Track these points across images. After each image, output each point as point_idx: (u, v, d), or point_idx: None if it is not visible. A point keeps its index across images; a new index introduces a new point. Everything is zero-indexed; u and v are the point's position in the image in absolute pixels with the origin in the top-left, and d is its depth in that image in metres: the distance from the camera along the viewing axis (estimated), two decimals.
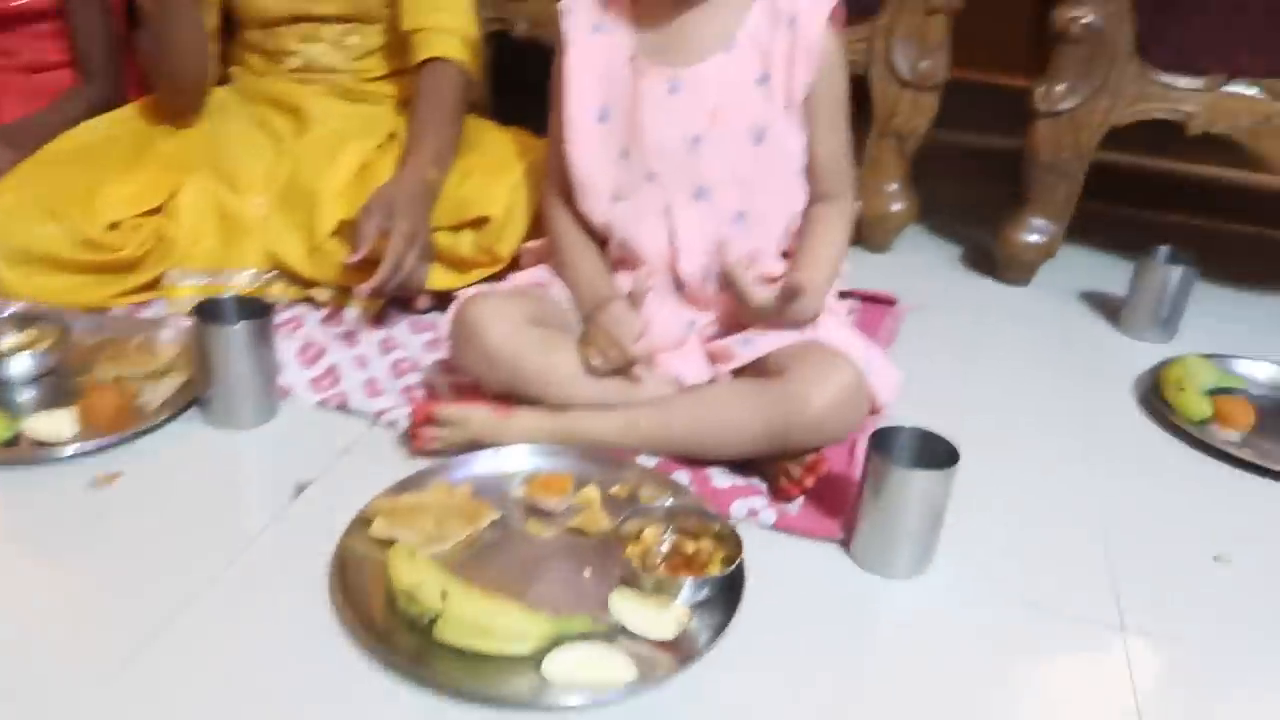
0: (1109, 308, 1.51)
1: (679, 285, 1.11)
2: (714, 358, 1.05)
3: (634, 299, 1.04)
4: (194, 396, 1.07)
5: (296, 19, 1.37)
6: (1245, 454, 1.12)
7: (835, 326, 1.08)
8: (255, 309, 1.06)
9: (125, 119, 1.42)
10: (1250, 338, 1.47)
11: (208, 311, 1.05)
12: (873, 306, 1.44)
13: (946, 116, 1.56)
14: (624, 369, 1.02)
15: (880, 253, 1.67)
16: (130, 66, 1.60)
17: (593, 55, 1.09)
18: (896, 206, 1.61)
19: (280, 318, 1.26)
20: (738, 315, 1.07)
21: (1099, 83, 1.40)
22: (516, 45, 1.65)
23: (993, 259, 1.60)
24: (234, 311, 1.06)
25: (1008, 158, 1.54)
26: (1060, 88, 1.41)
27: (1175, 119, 1.41)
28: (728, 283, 1.04)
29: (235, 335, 1.02)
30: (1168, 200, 2.11)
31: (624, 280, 1.10)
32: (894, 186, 1.60)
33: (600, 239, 1.15)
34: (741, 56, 1.05)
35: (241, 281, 1.29)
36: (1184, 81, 1.39)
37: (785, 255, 1.14)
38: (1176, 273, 1.39)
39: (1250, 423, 1.17)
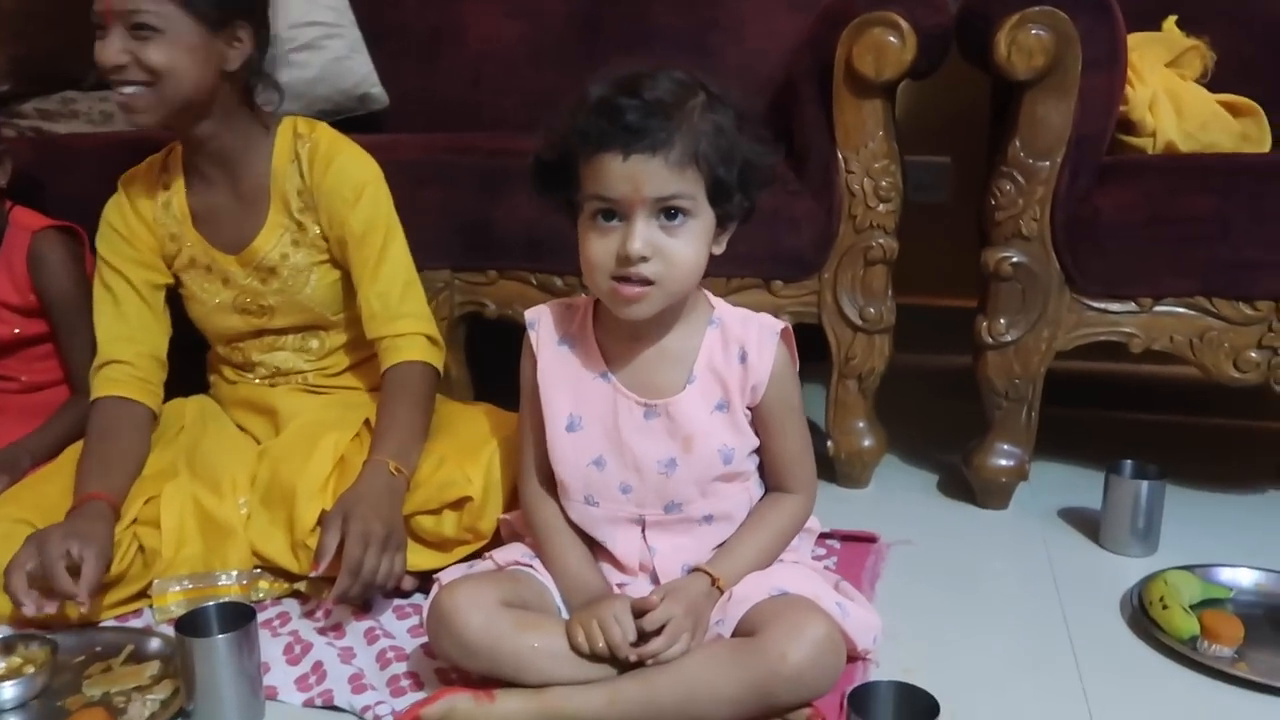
0: (1089, 523, 1.52)
1: (654, 581, 1.15)
2: None
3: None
4: (180, 708, 1.07)
5: (257, 333, 1.48)
6: (1240, 670, 1.11)
7: (804, 577, 1.11)
8: (237, 616, 1.08)
9: None
10: (1235, 537, 1.48)
11: (189, 624, 1.06)
12: (855, 546, 1.46)
13: (902, 341, 1.64)
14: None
15: (860, 488, 1.70)
16: None
17: (560, 366, 1.16)
18: (867, 442, 1.65)
19: (267, 614, 1.27)
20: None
21: (1037, 315, 1.48)
22: (488, 322, 1.74)
23: (969, 485, 1.63)
24: (216, 622, 1.08)
25: (966, 374, 1.61)
26: (1002, 321, 1.49)
27: (1119, 339, 1.48)
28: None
29: (218, 647, 1.03)
30: (1133, 401, 2.17)
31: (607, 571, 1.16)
32: (861, 424, 1.65)
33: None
34: (703, 387, 1.12)
35: (228, 581, 1.31)
36: (1117, 306, 1.47)
37: None
38: (1144, 487, 1.41)
39: (1239, 636, 1.16)
